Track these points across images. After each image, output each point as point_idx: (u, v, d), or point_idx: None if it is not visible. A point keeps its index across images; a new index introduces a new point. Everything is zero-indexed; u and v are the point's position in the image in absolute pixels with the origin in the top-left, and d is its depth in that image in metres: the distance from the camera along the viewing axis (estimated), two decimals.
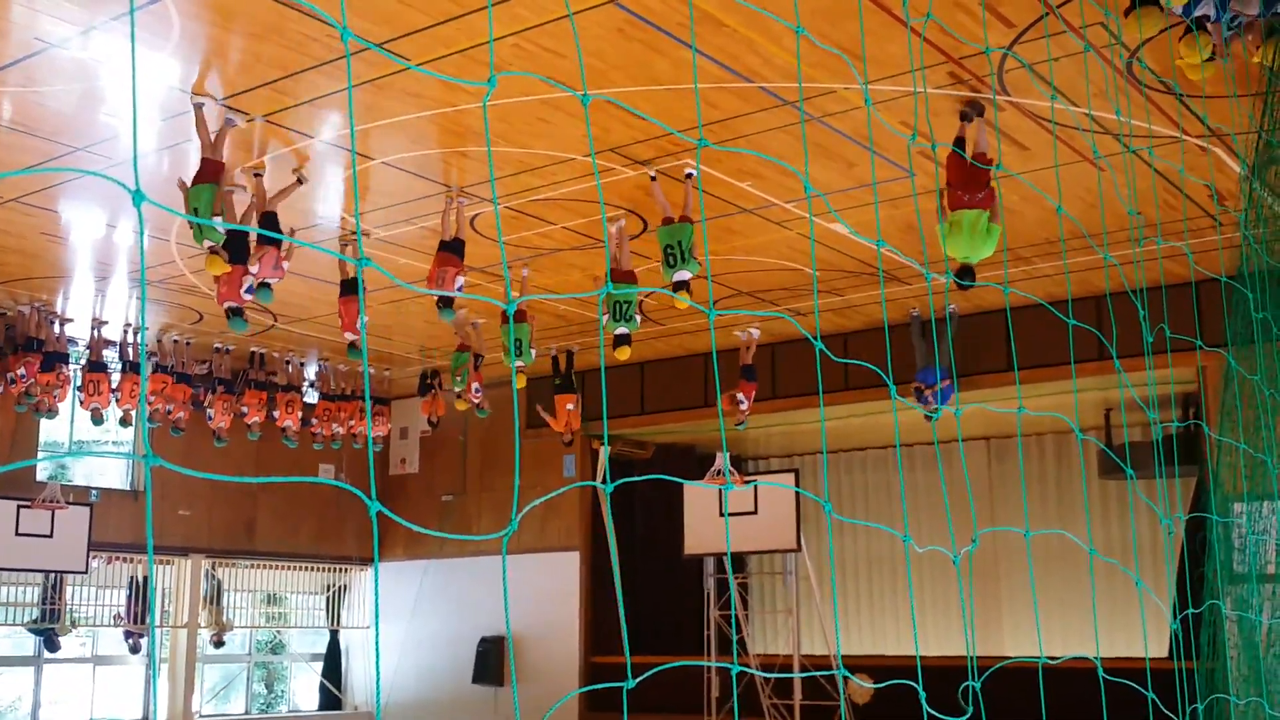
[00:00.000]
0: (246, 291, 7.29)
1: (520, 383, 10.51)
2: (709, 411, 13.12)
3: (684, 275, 7.82)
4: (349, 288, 8.98)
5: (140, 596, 13.49)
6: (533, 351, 9.70)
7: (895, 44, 6.14)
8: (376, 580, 15.82)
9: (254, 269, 7.12)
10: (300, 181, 7.86)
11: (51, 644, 12.85)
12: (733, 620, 9.93)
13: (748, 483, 12.25)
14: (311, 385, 14.16)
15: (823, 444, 16.12)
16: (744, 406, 11.33)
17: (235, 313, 7.54)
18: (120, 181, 1.67)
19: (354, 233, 9.29)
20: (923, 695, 2.76)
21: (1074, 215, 8.43)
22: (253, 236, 7.27)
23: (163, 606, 14.22)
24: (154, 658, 1.45)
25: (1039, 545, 13.02)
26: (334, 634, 15.97)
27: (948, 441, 12.37)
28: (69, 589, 13.10)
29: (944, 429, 12.57)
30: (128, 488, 13.86)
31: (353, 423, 13.81)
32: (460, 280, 8.40)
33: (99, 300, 11.43)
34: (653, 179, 8.05)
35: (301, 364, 13.75)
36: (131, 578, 13.60)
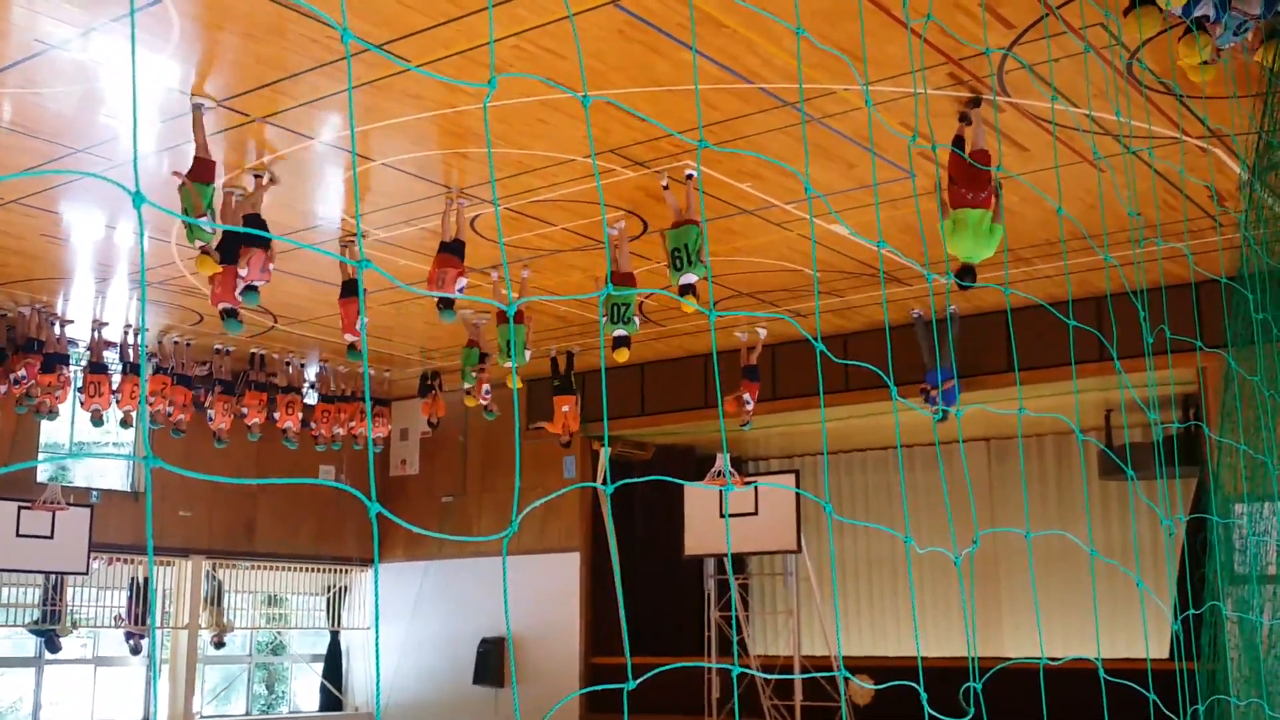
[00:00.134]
0: (240, 293, 7.30)
1: (516, 383, 10.52)
2: (709, 412, 13.12)
3: (690, 279, 7.82)
4: (349, 289, 9.00)
5: (141, 598, 13.49)
6: (527, 353, 9.71)
7: (895, 45, 6.14)
8: (376, 581, 15.82)
9: (243, 271, 7.12)
10: (272, 180, 7.85)
11: (52, 645, 12.85)
12: (733, 621, 9.94)
13: (748, 483, 12.25)
14: (312, 386, 14.16)
15: (823, 445, 16.12)
16: (749, 407, 11.35)
17: (230, 314, 7.55)
18: (120, 183, 1.67)
19: (354, 234, 9.30)
20: (924, 696, 2.76)
21: (1074, 216, 8.43)
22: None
23: (163, 608, 14.22)
24: (154, 659, 1.45)
25: (1039, 546, 13.01)
26: (334, 635, 15.97)
27: (948, 442, 12.37)
28: (70, 590, 13.10)
29: (944, 430, 12.57)
30: (128, 489, 13.86)
31: (353, 424, 13.81)
32: (462, 281, 8.40)
33: (99, 302, 11.43)
34: (665, 188, 8.06)
35: (302, 365, 13.76)
36: (132, 579, 13.60)
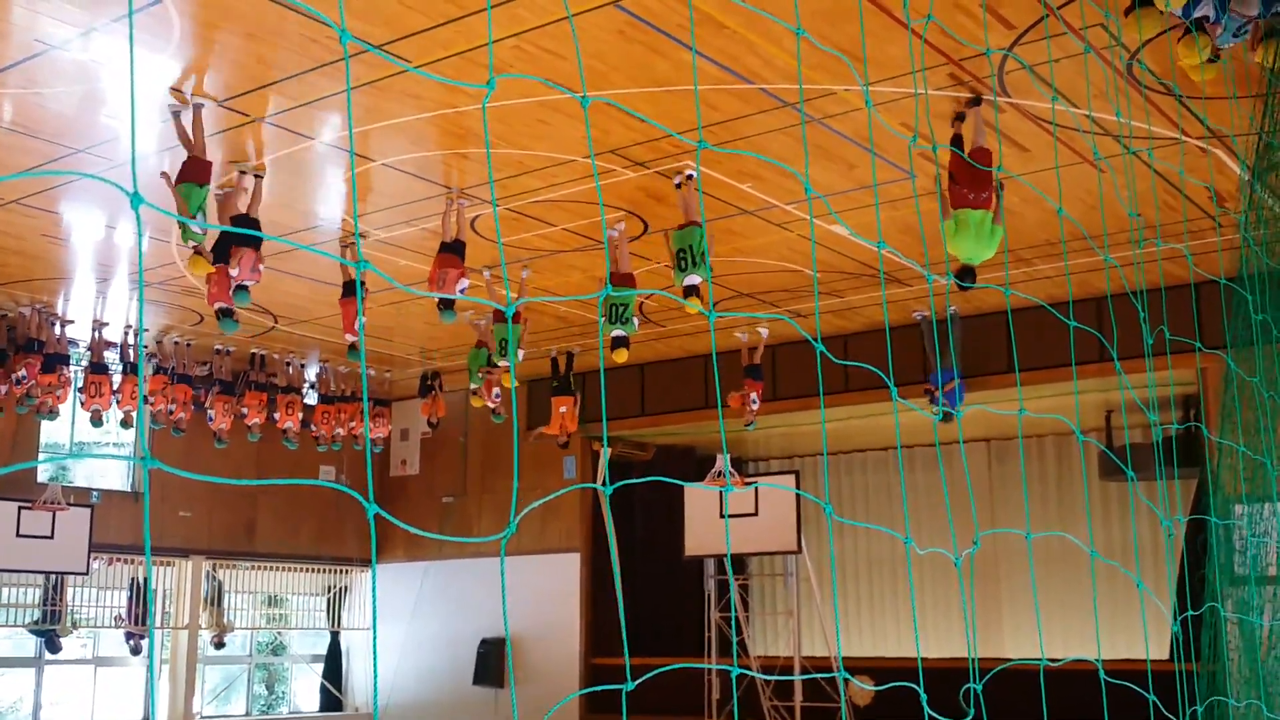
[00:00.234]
0: (231, 292, 7.31)
1: (508, 383, 10.54)
2: (709, 413, 13.12)
3: (694, 280, 7.82)
4: (350, 289, 9.00)
5: (141, 598, 13.49)
6: (520, 353, 9.71)
7: (895, 45, 6.13)
8: (374, 582, 15.81)
9: (234, 271, 7.12)
10: (258, 178, 7.86)
11: (52, 645, 12.86)
12: (733, 622, 9.93)
13: (748, 484, 12.25)
14: (312, 387, 14.16)
15: (823, 445, 16.12)
16: (755, 406, 11.36)
17: (225, 314, 7.56)
18: (118, 184, 1.67)
19: (366, 235, 9.31)
20: (924, 697, 2.76)
21: (1074, 217, 8.43)
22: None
23: (163, 608, 14.22)
24: (153, 659, 1.45)
25: (1039, 547, 13.01)
26: (334, 635, 15.97)
27: (948, 443, 12.36)
28: (70, 590, 13.11)
29: (944, 430, 12.56)
30: (128, 489, 13.87)
31: (353, 424, 13.81)
32: (464, 283, 8.40)
33: (100, 302, 11.43)
34: (677, 186, 8.07)
35: (302, 365, 13.76)
36: (132, 579, 13.60)
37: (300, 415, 13.28)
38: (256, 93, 6.83)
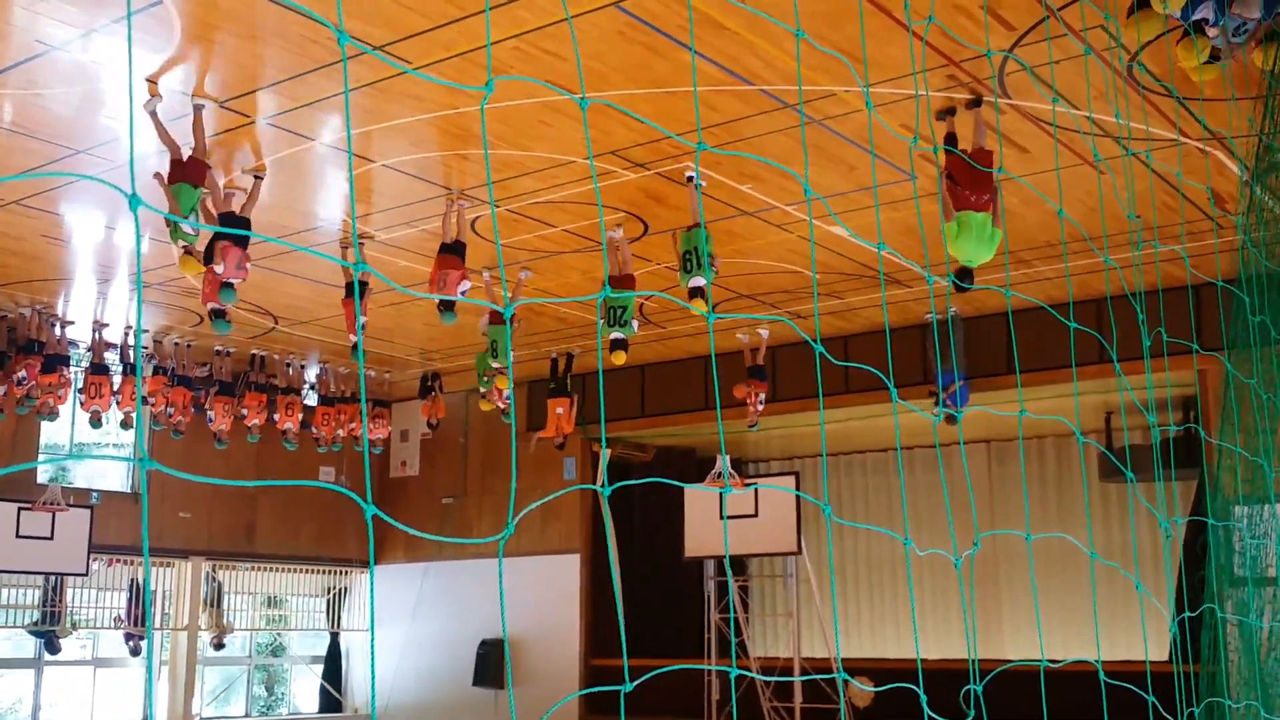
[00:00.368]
0: (218, 291, 7.31)
1: (503, 384, 10.55)
2: (709, 414, 13.12)
3: (699, 282, 7.84)
4: (352, 290, 9.03)
5: (140, 599, 13.49)
6: (510, 355, 9.74)
7: (896, 47, 6.14)
8: (372, 583, 15.77)
9: (218, 268, 7.11)
10: (258, 179, 7.86)
11: (52, 646, 12.85)
12: (732, 623, 9.93)
13: (748, 485, 12.25)
14: (312, 388, 14.17)
15: (823, 447, 16.12)
16: (760, 407, 11.38)
17: (218, 315, 7.57)
18: (116, 186, 1.67)
19: (361, 236, 9.31)
20: (923, 698, 2.76)
21: (1074, 218, 8.43)
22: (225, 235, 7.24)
23: (163, 609, 14.22)
24: (150, 660, 1.45)
25: (1039, 548, 13.01)
26: (334, 636, 15.97)
27: (948, 444, 12.37)
28: (69, 591, 13.10)
29: (945, 431, 12.56)
30: (128, 490, 13.87)
31: (353, 425, 13.81)
32: (466, 284, 8.41)
33: (100, 303, 11.43)
34: (689, 180, 8.07)
35: (302, 366, 13.76)
36: (132, 580, 13.60)
37: (300, 416, 13.28)
38: (256, 94, 6.83)
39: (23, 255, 9.98)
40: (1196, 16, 4.60)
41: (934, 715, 2.71)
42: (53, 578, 12.81)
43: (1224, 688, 4.47)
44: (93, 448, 13.97)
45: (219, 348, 12.88)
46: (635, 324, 8.65)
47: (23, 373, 11.35)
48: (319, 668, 15.91)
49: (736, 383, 11.60)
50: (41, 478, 12.79)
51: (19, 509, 12.15)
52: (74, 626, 13.14)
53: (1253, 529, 4.74)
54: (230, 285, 7.22)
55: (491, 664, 14.32)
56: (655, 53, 6.25)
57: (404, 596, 15.37)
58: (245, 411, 12.84)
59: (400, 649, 15.15)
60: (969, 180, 6.53)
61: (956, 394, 10.59)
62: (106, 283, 10.81)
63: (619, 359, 8.72)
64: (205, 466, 13.42)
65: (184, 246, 7.03)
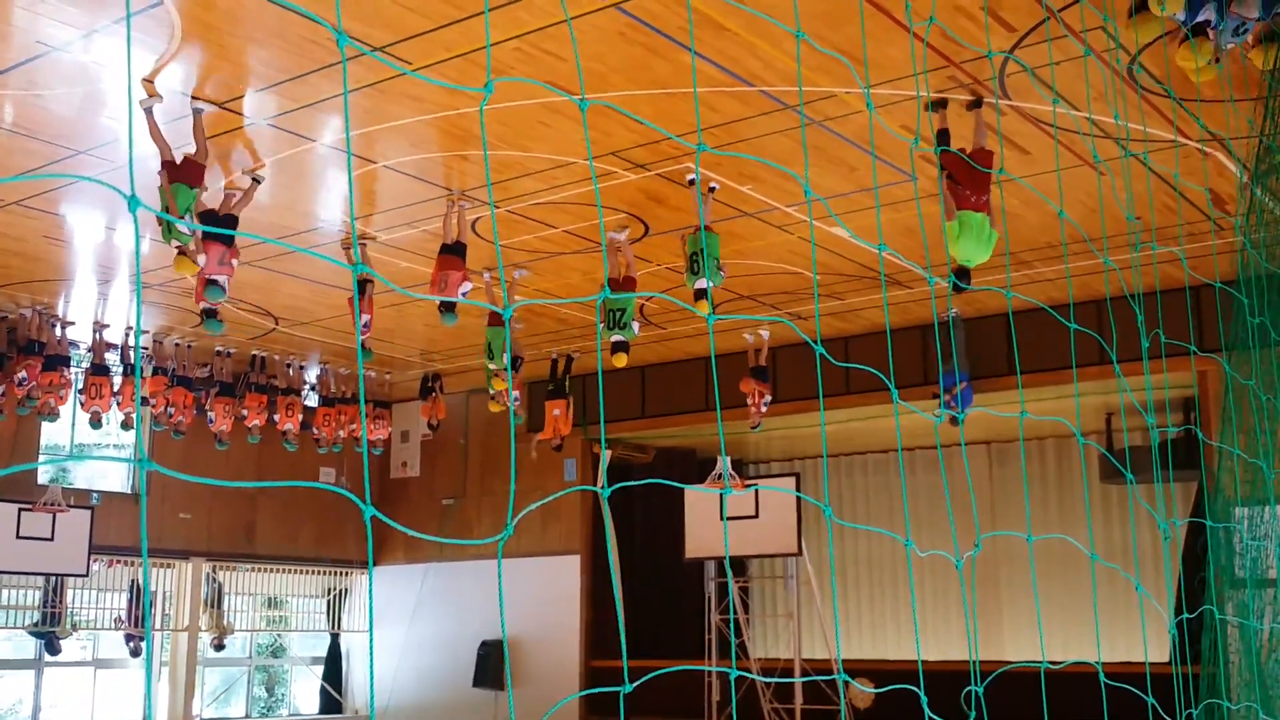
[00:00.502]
0: (204, 289, 7.32)
1: (499, 385, 10.56)
2: (710, 415, 13.12)
3: (702, 284, 7.86)
4: (359, 289, 9.09)
5: (141, 600, 13.49)
6: (504, 357, 9.76)
7: (896, 48, 6.14)
8: (371, 584, 15.81)
9: (199, 260, 7.12)
10: (256, 182, 7.86)
11: (52, 647, 12.85)
12: (732, 624, 9.93)
13: (748, 486, 12.25)
14: (312, 389, 14.17)
15: (823, 448, 16.12)
16: (764, 409, 11.38)
17: (209, 314, 7.57)
18: (115, 187, 1.67)
19: (359, 237, 9.32)
20: (924, 700, 2.76)
21: (1075, 219, 8.43)
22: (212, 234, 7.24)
23: (163, 610, 14.22)
24: (149, 661, 1.45)
25: (1040, 550, 13.01)
26: (334, 637, 15.97)
27: (949, 445, 12.36)
28: (70, 592, 13.10)
29: (945, 433, 12.56)
30: (128, 491, 13.87)
31: (353, 426, 13.81)
32: (467, 286, 8.41)
33: (101, 303, 11.44)
34: (711, 190, 8.11)
35: (302, 367, 13.76)
36: (132, 581, 13.60)
37: (300, 417, 13.29)
38: (257, 94, 6.83)
39: (24, 256, 9.98)
40: (1199, 19, 4.60)
41: (934, 716, 2.71)
42: (53, 578, 12.81)
43: (1224, 689, 4.47)
44: (93, 449, 13.98)
45: (219, 348, 12.88)
46: (636, 326, 8.65)
47: (23, 373, 11.35)
48: (319, 669, 15.91)
49: (738, 385, 11.60)
50: (42, 478, 12.79)
51: (19, 510, 12.15)
52: (74, 627, 13.14)
53: (1253, 531, 4.74)
54: (215, 282, 7.21)
55: (491, 665, 14.32)
56: (655, 54, 6.25)
57: (404, 597, 15.37)
58: (246, 412, 12.85)
59: (400, 650, 15.14)
60: (969, 180, 6.52)
61: (958, 396, 10.58)
62: (107, 283, 10.82)
63: (620, 361, 8.72)
64: (206, 467, 13.42)
65: (178, 247, 7.04)
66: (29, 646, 13.22)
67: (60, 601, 12.96)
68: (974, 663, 3.55)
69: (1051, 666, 3.41)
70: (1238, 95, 5.98)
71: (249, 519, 14.86)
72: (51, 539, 12.30)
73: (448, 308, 8.56)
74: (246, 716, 15.21)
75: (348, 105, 6.33)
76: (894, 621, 14.48)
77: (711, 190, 8.21)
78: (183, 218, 6.92)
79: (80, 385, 11.97)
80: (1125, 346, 4.53)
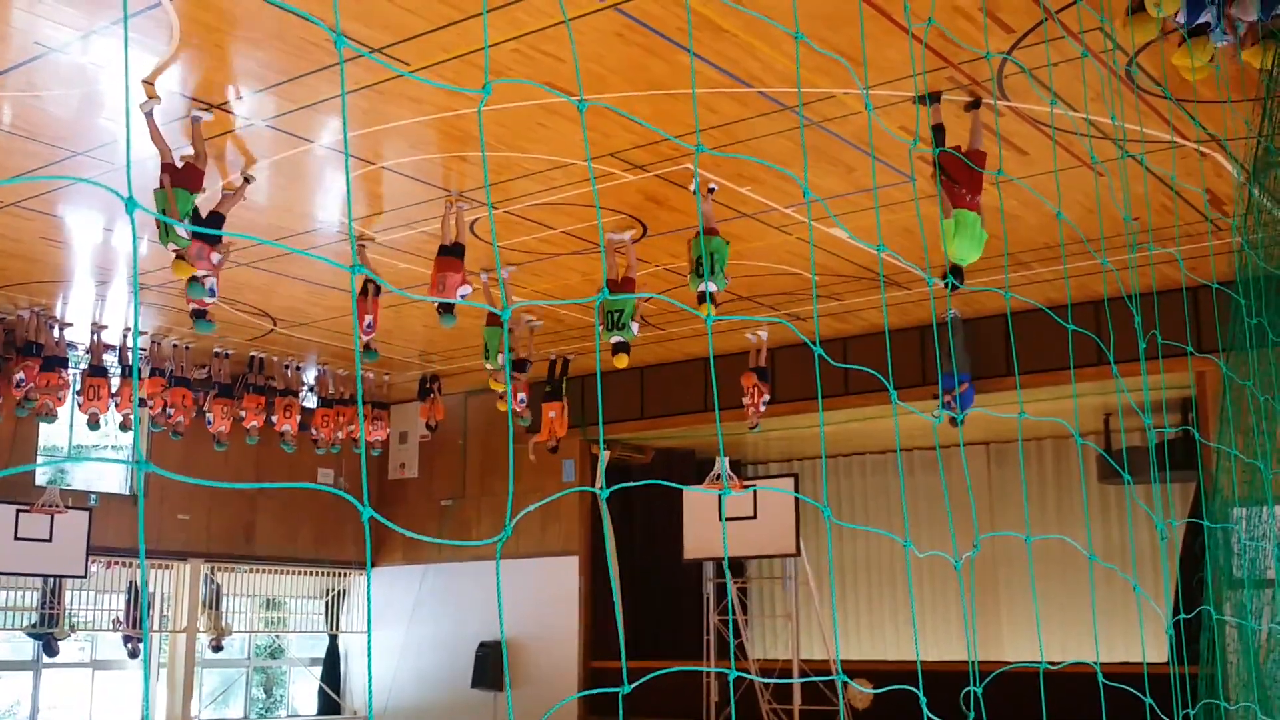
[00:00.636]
0: (209, 294, 7.33)
1: (497, 386, 10.56)
2: (709, 416, 13.12)
3: (710, 287, 7.87)
4: (366, 289, 9.10)
5: (139, 601, 13.48)
6: (500, 357, 9.77)
7: (895, 49, 6.14)
8: (369, 585, 15.80)
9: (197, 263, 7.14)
10: (248, 181, 7.86)
11: (50, 648, 12.84)
12: (731, 625, 9.92)
13: (747, 487, 12.26)
14: (310, 390, 14.17)
15: (822, 448, 16.12)
16: (762, 408, 11.38)
17: (199, 315, 7.59)
18: (113, 189, 1.67)
19: (361, 238, 9.32)
20: (923, 700, 2.76)
21: (1073, 220, 8.43)
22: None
23: (161, 611, 14.21)
24: (147, 662, 1.45)
25: (1038, 550, 13.01)
26: (333, 638, 15.96)
27: (948, 446, 12.37)
28: (68, 593, 13.10)
29: (944, 433, 12.57)
30: (127, 492, 13.86)
31: (351, 427, 13.81)
32: (466, 289, 8.41)
33: (99, 305, 11.44)
34: (711, 191, 8.11)
35: (300, 368, 13.76)
36: (130, 582, 13.59)
37: (298, 418, 13.28)
38: (256, 95, 6.83)
39: (22, 257, 9.98)
40: (1200, 21, 4.60)
41: (933, 717, 2.71)
42: (51, 580, 12.80)
43: (1221, 689, 4.47)
44: (91, 450, 13.97)
45: (218, 350, 12.88)
46: (636, 326, 8.65)
47: (21, 375, 11.35)
48: (318, 670, 15.90)
49: (737, 385, 11.60)
50: (40, 480, 12.78)
51: (17, 511, 12.14)
52: (72, 628, 13.13)
53: (1251, 531, 4.74)
54: (198, 280, 7.22)
55: (490, 666, 14.32)
56: (654, 55, 6.25)
57: (403, 598, 15.37)
58: (244, 413, 12.84)
59: (399, 651, 15.14)
60: (966, 179, 6.54)
61: (958, 397, 10.58)
62: (105, 285, 10.81)
63: (621, 363, 8.72)
64: (204, 468, 13.42)
65: (176, 250, 7.05)
66: (27, 648, 13.21)
67: (58, 603, 12.95)
68: (973, 663, 3.55)
69: (1050, 667, 3.41)
70: (1235, 96, 5.99)
71: (248, 520, 14.85)
72: (49, 540, 12.29)
73: (446, 309, 8.56)
74: (245, 718, 15.20)
75: (345, 107, 6.33)
76: (893, 622, 14.49)
77: (711, 191, 8.22)
78: (182, 221, 6.94)
79: (78, 386, 11.96)
80: (1123, 347, 4.53)
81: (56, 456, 13.66)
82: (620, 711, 2.21)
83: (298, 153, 7.68)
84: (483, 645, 14.46)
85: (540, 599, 13.95)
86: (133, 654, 13.51)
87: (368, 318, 9.13)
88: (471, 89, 2.29)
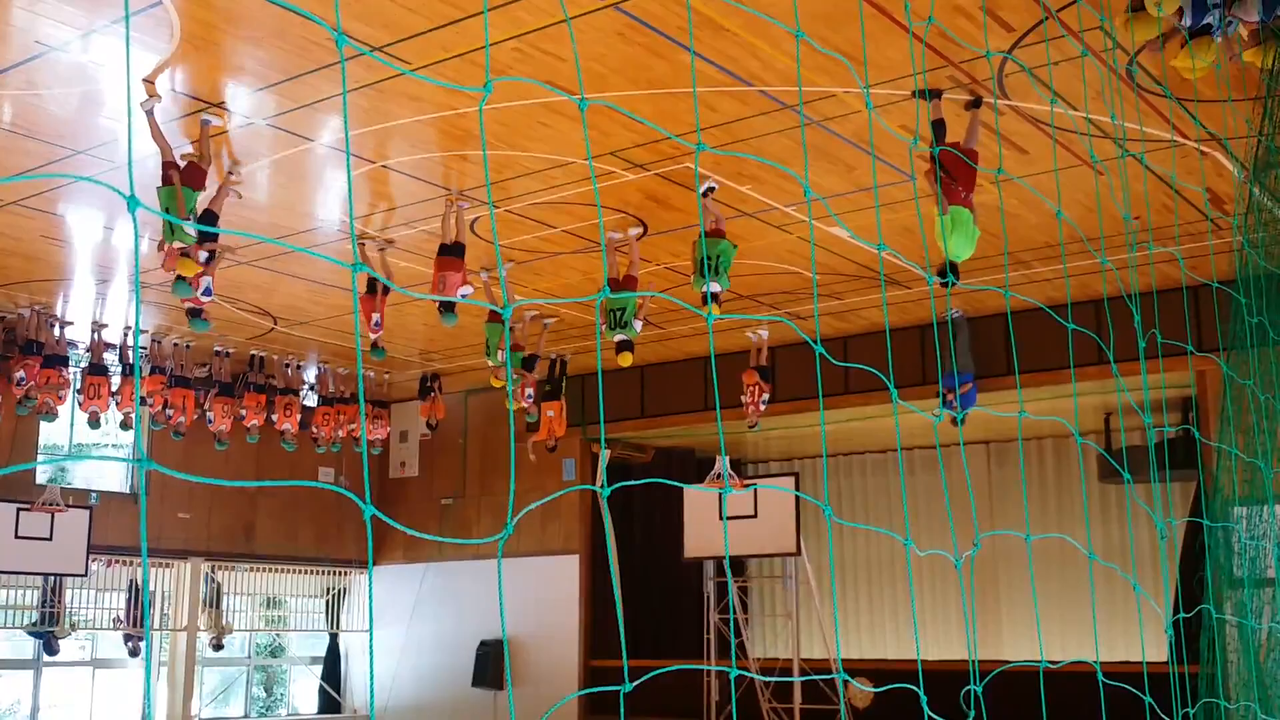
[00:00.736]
0: (204, 293, 7.33)
1: (498, 382, 10.56)
2: (709, 415, 13.12)
3: (715, 288, 7.89)
4: (372, 287, 9.11)
5: (139, 599, 13.48)
6: (500, 354, 9.80)
7: (895, 48, 6.14)
8: (371, 584, 15.80)
9: (201, 260, 7.14)
10: (230, 174, 7.86)
11: (50, 647, 12.84)
12: (732, 624, 9.92)
13: (747, 486, 12.26)
14: (311, 388, 14.17)
15: (823, 447, 16.12)
16: (762, 407, 11.38)
17: (195, 314, 7.59)
18: (115, 187, 1.67)
19: (359, 237, 9.32)
20: (923, 699, 2.76)
21: (1073, 219, 8.43)
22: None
23: (162, 610, 14.21)
24: (149, 661, 1.45)
25: (1038, 549, 13.02)
26: (333, 637, 15.97)
27: (948, 445, 12.36)
28: (68, 592, 13.10)
29: (944, 432, 12.56)
30: (127, 490, 13.86)
31: (352, 426, 13.82)
32: (467, 289, 8.41)
33: (99, 303, 11.44)
34: (709, 191, 8.11)
35: (300, 367, 13.76)
36: (131, 580, 13.59)
37: (299, 417, 13.29)
38: (256, 94, 6.83)
39: (22, 256, 9.98)
40: (1202, 23, 4.60)
41: (934, 716, 2.71)
42: (51, 578, 12.81)
43: (1221, 688, 4.47)
44: (91, 448, 13.97)
45: (218, 348, 12.88)
46: (639, 324, 8.65)
47: (22, 373, 11.35)
48: (318, 668, 15.90)
49: (737, 384, 11.59)
50: (40, 478, 12.78)
51: (18, 510, 12.15)
52: (73, 627, 13.13)
53: (1251, 530, 4.74)
54: (185, 280, 7.23)
55: (490, 665, 14.32)
56: (655, 54, 6.25)
57: (403, 597, 15.37)
58: (244, 412, 12.85)
59: (399, 650, 15.14)
60: (963, 176, 6.54)
61: (959, 397, 10.57)
62: (105, 283, 10.81)
63: (626, 361, 8.71)
64: (205, 467, 13.42)
65: (181, 248, 7.06)
66: (27, 646, 13.21)
67: (59, 601, 12.96)
68: (973, 662, 3.55)
69: (1050, 666, 3.41)
70: (1236, 95, 5.99)
71: (248, 519, 14.85)
72: (50, 539, 12.29)
73: (448, 308, 8.56)
74: (245, 716, 15.20)
75: (347, 105, 6.33)
76: (893, 621, 14.49)
77: (711, 190, 8.21)
78: (189, 218, 6.94)
79: (79, 385, 11.97)
80: (1123, 346, 4.53)
81: (57, 455, 13.66)
82: (622, 710, 2.21)
83: (298, 151, 7.68)
84: (483, 644, 14.46)
85: (540, 598, 13.96)
86: (133, 653, 13.51)
87: (375, 315, 9.13)
88: (472, 87, 2.29)
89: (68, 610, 13.10)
